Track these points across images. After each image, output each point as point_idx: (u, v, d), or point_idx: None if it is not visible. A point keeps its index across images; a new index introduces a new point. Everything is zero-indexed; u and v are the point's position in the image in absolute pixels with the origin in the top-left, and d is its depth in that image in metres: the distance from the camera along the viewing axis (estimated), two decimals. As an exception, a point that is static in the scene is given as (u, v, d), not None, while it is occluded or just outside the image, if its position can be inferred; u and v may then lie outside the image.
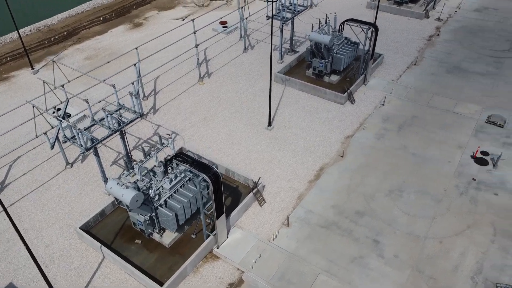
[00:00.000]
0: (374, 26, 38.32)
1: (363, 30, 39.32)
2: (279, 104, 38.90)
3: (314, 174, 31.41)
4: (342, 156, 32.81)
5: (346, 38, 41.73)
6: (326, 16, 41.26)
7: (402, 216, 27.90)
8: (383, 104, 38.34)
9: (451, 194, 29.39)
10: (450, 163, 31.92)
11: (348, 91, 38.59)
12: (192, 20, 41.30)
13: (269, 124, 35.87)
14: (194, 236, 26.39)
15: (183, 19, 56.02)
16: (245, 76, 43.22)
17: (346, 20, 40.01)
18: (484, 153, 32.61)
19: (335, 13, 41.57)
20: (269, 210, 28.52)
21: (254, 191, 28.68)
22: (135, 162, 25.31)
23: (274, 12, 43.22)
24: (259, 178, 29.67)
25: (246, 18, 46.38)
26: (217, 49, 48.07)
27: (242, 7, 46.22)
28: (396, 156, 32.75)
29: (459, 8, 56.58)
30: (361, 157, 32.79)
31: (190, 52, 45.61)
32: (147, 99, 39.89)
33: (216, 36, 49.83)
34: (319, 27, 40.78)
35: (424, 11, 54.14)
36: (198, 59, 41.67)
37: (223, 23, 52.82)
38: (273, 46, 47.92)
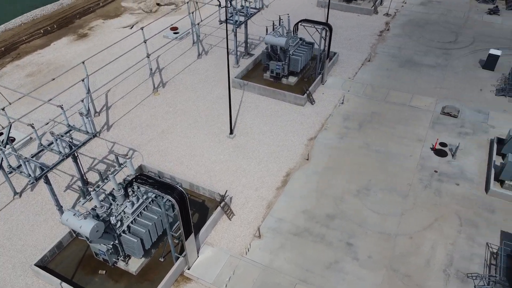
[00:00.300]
0: (328, 26, 38.34)
1: (317, 30, 39.26)
2: (239, 110, 38.04)
3: (281, 180, 30.84)
4: (307, 159, 32.48)
5: (301, 39, 41.54)
6: (279, 18, 40.84)
7: (371, 216, 27.92)
8: (342, 103, 38.49)
9: (416, 188, 29.82)
10: (412, 157, 32.45)
11: (308, 92, 38.40)
12: (141, 28, 39.49)
13: (231, 132, 34.93)
14: (162, 259, 24.93)
15: (131, 27, 53.74)
16: (201, 83, 41.97)
17: (300, 21, 39.79)
18: (443, 144, 33.45)
19: (288, 14, 41.25)
20: (239, 223, 27.60)
21: (222, 204, 27.66)
22: (91, 187, 23.50)
23: (226, 16, 42.28)
24: (226, 191, 28.67)
25: (198, 24, 45.11)
26: (170, 56, 46.43)
27: (193, 12, 44.90)
28: (360, 154, 32.87)
29: (405, 3, 58.27)
30: (326, 158, 32.62)
31: (141, 62, 43.73)
32: (99, 115, 37.67)
33: (168, 44, 48.15)
34: (273, 29, 40.33)
35: (373, 7, 55.23)
36: (151, 69, 39.95)
37: (174, 29, 51.18)
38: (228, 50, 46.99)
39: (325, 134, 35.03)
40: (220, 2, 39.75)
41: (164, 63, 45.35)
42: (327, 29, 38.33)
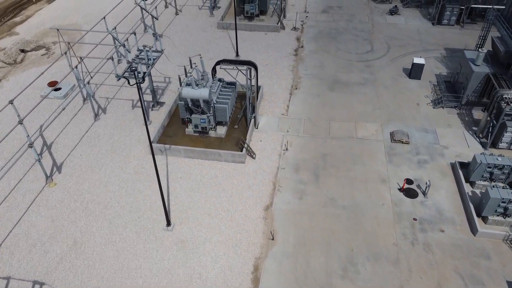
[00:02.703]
0: (252, 65, 32.46)
1: (239, 70, 33.13)
2: (168, 186, 30.39)
3: (251, 279, 24.42)
4: (272, 239, 26.53)
5: (220, 80, 35.06)
6: (190, 61, 33.70)
7: (371, 301, 23.22)
8: (286, 149, 33.20)
9: (403, 248, 25.89)
10: (384, 206, 28.57)
11: (246, 146, 32.24)
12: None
13: (168, 222, 27.29)
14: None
15: (-7, 89, 41.48)
16: (108, 155, 33.08)
17: (218, 62, 33.23)
18: (409, 181, 30.24)
19: (200, 55, 34.30)
20: None
21: None
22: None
23: (125, 70, 33.89)
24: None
25: (88, 82, 35.67)
26: (57, 124, 36.18)
27: (76, 67, 35.20)
28: (328, 216, 27.95)
29: (308, 12, 55.07)
30: (292, 231, 27.02)
31: (20, 138, 33.14)
32: (-27, 239, 26.88)
33: (49, 104, 37.74)
34: (186, 74, 33.25)
35: (279, 23, 50.85)
36: (31, 145, 29.51)
37: (53, 84, 40.63)
38: (133, 104, 38.43)
39: (280, 197, 29.36)
40: (113, 58, 31.40)
41: (51, 133, 35.12)
42: (252, 68, 32.45)
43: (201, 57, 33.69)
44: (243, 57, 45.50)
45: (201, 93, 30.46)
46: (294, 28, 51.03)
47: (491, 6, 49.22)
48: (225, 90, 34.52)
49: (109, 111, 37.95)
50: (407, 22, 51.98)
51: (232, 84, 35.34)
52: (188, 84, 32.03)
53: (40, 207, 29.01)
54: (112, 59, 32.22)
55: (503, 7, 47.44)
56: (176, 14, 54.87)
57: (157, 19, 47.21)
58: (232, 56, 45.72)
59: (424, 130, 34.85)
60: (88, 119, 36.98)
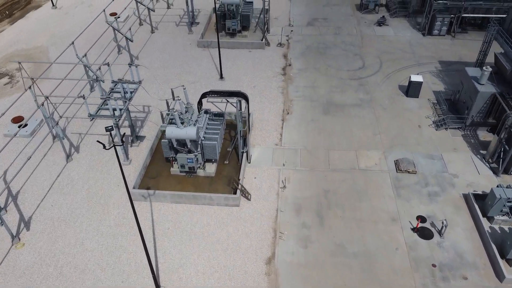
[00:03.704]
0: (243, 96, 29.19)
1: (230, 103, 29.83)
2: (155, 239, 26.78)
3: None
4: (278, 300, 23.38)
5: (206, 112, 31.65)
6: (172, 93, 30.18)
7: None
8: (284, 187, 30.08)
9: (426, 303, 23.18)
10: (398, 251, 25.76)
11: (239, 186, 28.93)
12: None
13: (157, 286, 23.69)
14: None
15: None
16: (85, 204, 29.20)
17: (205, 94, 29.80)
18: (422, 219, 27.57)
19: (183, 86, 30.76)
20: None
21: None
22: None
23: (99, 106, 30.11)
24: None
25: (57, 123, 31.66)
26: (24, 167, 31.95)
27: (42, 104, 31.08)
28: (338, 267, 24.94)
29: (292, 25, 52.16)
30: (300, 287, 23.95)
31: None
32: None
33: (14, 144, 33.52)
34: (168, 109, 29.81)
35: (263, 39, 47.74)
36: (-1, 213, 25.66)
37: (18, 120, 36.39)
38: (109, 140, 34.54)
39: (283, 246, 26.18)
40: (84, 96, 27.73)
41: (17, 181, 30.92)
42: (243, 100, 29.17)
43: (184, 88, 30.22)
44: (228, 79, 42.19)
45: (188, 132, 27.03)
46: (280, 44, 48.02)
47: (483, 15, 47.81)
48: (212, 123, 31.13)
49: (83, 149, 33.98)
50: (397, 33, 49.71)
51: (220, 115, 31.98)
52: (171, 122, 28.55)
53: (7, 275, 24.94)
54: (84, 97, 28.35)
55: (499, 16, 46.07)
56: (152, 32, 51.07)
57: (131, 41, 43.39)
58: (216, 78, 42.35)
59: (430, 157, 32.33)
60: (59, 160, 32.93)
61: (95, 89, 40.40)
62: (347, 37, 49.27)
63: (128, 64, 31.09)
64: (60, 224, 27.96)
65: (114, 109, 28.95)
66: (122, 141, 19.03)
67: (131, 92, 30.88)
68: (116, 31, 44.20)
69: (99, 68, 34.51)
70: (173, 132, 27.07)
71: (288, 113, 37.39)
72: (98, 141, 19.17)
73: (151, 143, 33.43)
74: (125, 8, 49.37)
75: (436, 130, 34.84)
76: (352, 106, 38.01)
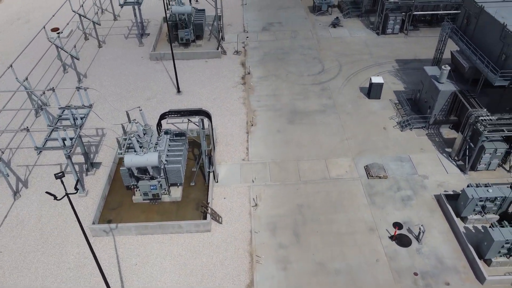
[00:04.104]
0: (205, 114, 27.46)
1: (192, 122, 28.03)
2: (122, 279, 24.47)
3: None
4: (263, 332, 21.92)
5: (167, 133, 29.59)
6: (128, 116, 27.91)
7: None
8: (256, 205, 28.68)
9: (413, 315, 22.59)
10: (379, 262, 25.08)
11: (208, 209, 27.18)
12: None
13: (129, 334, 21.55)
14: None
15: None
16: (39, 247, 26.24)
17: (164, 115, 27.77)
18: (399, 226, 27.12)
19: (139, 107, 28.53)
20: None
21: None
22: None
23: (46, 137, 27.26)
24: None
25: (0, 158, 28.40)
26: (-36, 212, 28.47)
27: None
28: (322, 286, 23.87)
29: (247, 32, 50.89)
30: (284, 315, 22.60)
31: None
32: None
33: (-49, 189, 29.88)
34: (125, 133, 27.59)
35: (219, 48, 46.10)
36: None
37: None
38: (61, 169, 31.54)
39: (262, 270, 24.75)
40: (28, 129, 25.06)
41: (-42, 228, 27.44)
42: (205, 118, 27.45)
43: (140, 110, 27.99)
44: (185, 92, 40.20)
45: (149, 159, 24.97)
46: (236, 52, 46.59)
47: (434, 12, 48.83)
48: (174, 144, 29.16)
49: (32, 183, 30.88)
50: (352, 34, 49.74)
51: (181, 135, 30.05)
52: (129, 148, 26.34)
53: None
54: (28, 130, 25.51)
55: (448, 12, 47.27)
56: (99, 46, 48.01)
57: (77, 59, 40.31)
58: (173, 93, 40.22)
59: (398, 159, 32.13)
60: (5, 198, 29.68)
61: (40, 114, 37.08)
62: (304, 41, 48.67)
63: (76, 88, 28.41)
64: (11, 273, 24.97)
65: (64, 139, 26.28)
66: (76, 189, 16.81)
67: (81, 118, 28.28)
68: (59, 49, 40.90)
69: (43, 93, 31.51)
70: (132, 160, 24.91)
71: (252, 125, 36.04)
72: (47, 192, 16.83)
73: (108, 169, 30.95)
74: (68, 24, 46.00)
75: (401, 131, 34.80)
76: (317, 113, 37.26)
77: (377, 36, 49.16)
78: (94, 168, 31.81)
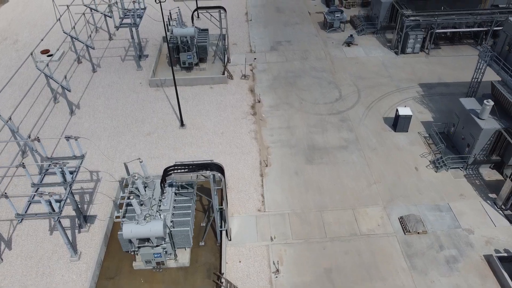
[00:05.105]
0: (217, 168, 23.33)
1: (203, 175, 23.93)
2: None
3: None
4: None
5: (171, 185, 25.38)
6: (126, 168, 23.79)
7: None
8: (277, 271, 24.58)
9: None
10: None
11: (224, 282, 23.04)
12: None
13: None
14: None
15: None
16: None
17: (168, 171, 23.57)
18: (447, 298, 23.16)
19: (139, 158, 24.36)
20: None
21: None
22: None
23: (29, 201, 23.09)
24: None
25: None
26: None
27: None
28: None
29: (254, 52, 46.90)
30: None
31: None
32: None
33: None
34: (123, 190, 23.45)
35: (225, 72, 42.06)
36: None
37: None
38: (50, 227, 27.37)
39: None
40: (6, 194, 20.95)
41: None
42: (219, 174, 23.34)
43: (141, 161, 23.98)
44: (190, 125, 36.10)
45: (152, 229, 20.85)
46: (244, 76, 42.54)
47: (457, 30, 45.02)
48: (181, 200, 25.03)
49: (17, 242, 26.66)
50: (368, 54, 45.79)
51: (188, 185, 25.91)
52: (129, 205, 22.24)
53: None
54: (6, 196, 21.34)
55: (472, 29, 43.46)
56: (94, 71, 43.86)
57: (69, 90, 36.15)
58: (176, 126, 36.09)
59: (437, 208, 28.14)
60: (-16, 263, 25.49)
61: (27, 155, 32.89)
62: (317, 62, 44.69)
63: (65, 137, 24.25)
64: None
65: (50, 202, 22.12)
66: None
67: (72, 173, 24.12)
68: (49, 78, 36.71)
69: (29, 136, 27.36)
70: (132, 231, 20.80)
71: (266, 166, 32.01)
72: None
73: (104, 225, 26.85)
74: (58, 49, 41.81)
75: (436, 172, 30.84)
76: (337, 149, 33.25)
77: (395, 56, 45.21)
78: (88, 224, 27.65)
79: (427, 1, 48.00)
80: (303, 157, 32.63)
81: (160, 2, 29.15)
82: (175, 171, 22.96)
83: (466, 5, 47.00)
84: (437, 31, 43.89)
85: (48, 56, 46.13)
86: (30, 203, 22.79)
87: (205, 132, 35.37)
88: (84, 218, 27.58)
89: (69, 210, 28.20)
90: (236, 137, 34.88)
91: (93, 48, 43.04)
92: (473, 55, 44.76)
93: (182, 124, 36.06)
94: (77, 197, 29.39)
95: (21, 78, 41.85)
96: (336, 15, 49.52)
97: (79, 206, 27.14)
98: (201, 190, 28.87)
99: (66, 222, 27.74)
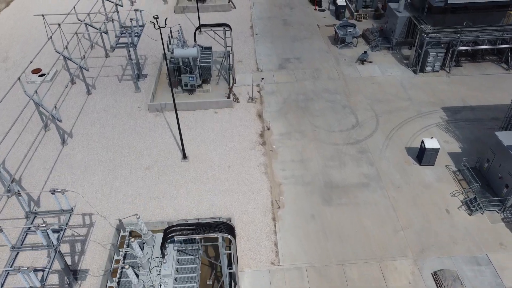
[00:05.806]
0: (226, 228, 19.97)
1: (212, 235, 20.55)
2: None
3: None
4: None
5: (173, 241, 22.09)
6: (122, 224, 20.54)
7: None
8: None
9: None
10: None
11: None
12: None
13: None
14: None
15: None
16: None
17: (169, 232, 20.19)
18: None
19: (136, 215, 21.07)
20: None
21: None
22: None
23: (6, 272, 19.78)
24: None
25: None
26: None
27: None
28: None
29: (261, 70, 43.61)
30: None
31: None
32: None
33: None
34: (118, 253, 20.11)
35: (230, 94, 38.77)
36: None
37: None
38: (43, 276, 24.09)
39: None
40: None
41: None
42: (229, 236, 20.01)
43: (138, 217, 20.71)
44: (193, 158, 32.80)
45: None
46: (251, 99, 39.23)
47: (483, 47, 41.87)
48: (184, 260, 21.68)
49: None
50: (385, 73, 42.47)
51: (192, 241, 22.56)
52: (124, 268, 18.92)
53: None
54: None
55: (499, 46, 40.49)
56: (88, 93, 40.58)
57: (60, 121, 32.84)
58: (178, 159, 32.79)
59: (474, 261, 24.82)
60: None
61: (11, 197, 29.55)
62: (329, 83, 41.38)
63: (50, 191, 20.95)
64: None
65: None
66: None
67: (59, 233, 20.81)
68: (39, 106, 33.41)
69: (8, 190, 24.05)
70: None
71: (279, 207, 28.71)
72: None
73: (98, 282, 23.56)
74: (50, 71, 38.51)
75: (470, 215, 27.53)
76: (358, 187, 29.94)
77: (414, 75, 41.90)
78: (79, 281, 24.37)
79: (446, 15, 44.78)
80: (319, 197, 29.32)
81: (160, 28, 25.82)
82: (177, 232, 19.65)
83: (488, 20, 43.84)
84: (459, 48, 40.61)
85: (40, 76, 42.95)
86: (8, 273, 19.48)
87: (210, 166, 32.08)
88: (73, 275, 24.30)
89: (56, 264, 24.91)
90: (244, 171, 31.57)
91: (87, 70, 39.72)
92: (497, 73, 41.55)
93: (184, 157, 32.79)
94: (66, 247, 26.16)
95: (11, 100, 38.59)
96: (349, 29, 46.22)
97: (67, 265, 23.82)
98: (207, 241, 25.59)
99: (53, 279, 24.47)
